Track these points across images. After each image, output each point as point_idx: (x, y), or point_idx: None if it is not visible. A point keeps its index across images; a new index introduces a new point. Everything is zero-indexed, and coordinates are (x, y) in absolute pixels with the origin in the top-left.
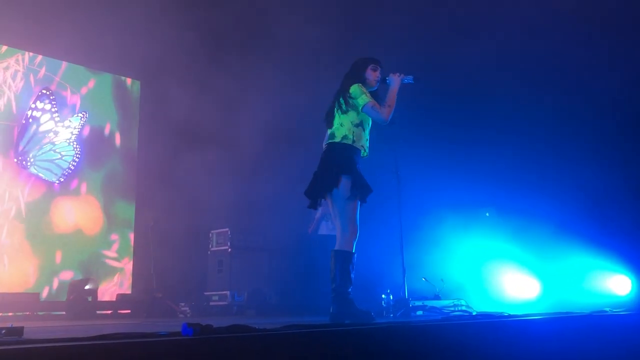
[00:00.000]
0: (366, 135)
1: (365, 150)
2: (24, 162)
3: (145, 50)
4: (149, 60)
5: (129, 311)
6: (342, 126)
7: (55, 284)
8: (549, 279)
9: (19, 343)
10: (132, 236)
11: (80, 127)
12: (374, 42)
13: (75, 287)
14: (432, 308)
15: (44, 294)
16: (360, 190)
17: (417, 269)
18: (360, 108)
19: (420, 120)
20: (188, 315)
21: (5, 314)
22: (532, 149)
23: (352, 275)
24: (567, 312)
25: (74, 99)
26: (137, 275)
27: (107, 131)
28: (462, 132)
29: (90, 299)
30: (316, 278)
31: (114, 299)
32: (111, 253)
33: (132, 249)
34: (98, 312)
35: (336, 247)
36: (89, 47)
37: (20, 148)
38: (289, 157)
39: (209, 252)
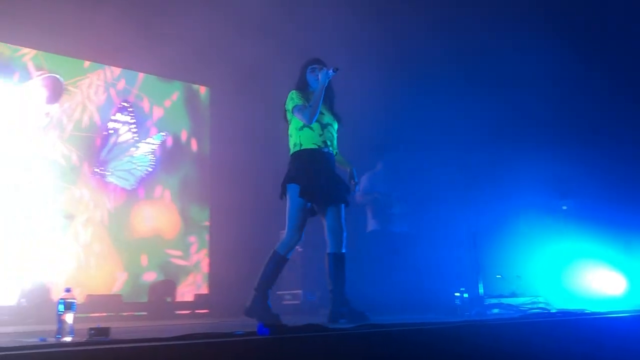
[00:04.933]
0: (319, 131)
1: (326, 145)
2: (103, 171)
3: (215, 57)
4: (219, 66)
5: (207, 311)
6: (291, 136)
7: (137, 286)
8: (636, 275)
9: (107, 343)
10: (207, 238)
11: (160, 143)
12: None
13: (156, 289)
14: (509, 306)
15: (127, 295)
16: (311, 195)
17: (491, 265)
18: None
19: (491, 114)
20: None
21: (92, 315)
22: (614, 139)
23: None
24: None
25: (150, 109)
26: (213, 275)
27: (182, 138)
28: (539, 125)
29: (169, 299)
30: (384, 276)
31: (192, 300)
32: (188, 255)
33: (207, 251)
34: (177, 312)
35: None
36: (161, 57)
37: (101, 157)
38: (356, 156)
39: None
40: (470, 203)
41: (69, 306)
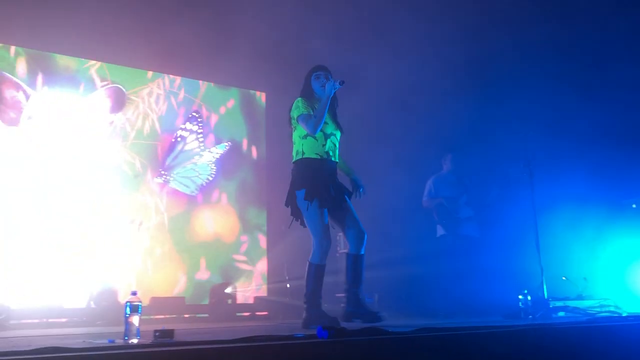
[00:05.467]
0: (322, 141)
1: (328, 155)
2: (166, 177)
3: (270, 63)
4: (274, 71)
5: (267, 313)
6: (295, 144)
7: (199, 289)
8: None
9: (171, 345)
10: (265, 240)
11: (223, 153)
12: None
13: (216, 291)
14: (575, 309)
15: (189, 297)
16: (319, 198)
17: (555, 267)
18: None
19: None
20: None
21: (156, 317)
22: None
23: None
24: None
25: (210, 116)
26: (272, 278)
27: (239, 143)
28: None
29: (230, 301)
30: (451, 280)
31: (252, 302)
32: (247, 258)
33: (266, 253)
34: (237, 314)
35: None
36: (218, 66)
37: (166, 164)
38: (422, 158)
39: (337, 255)
40: (534, 202)
41: (135, 309)
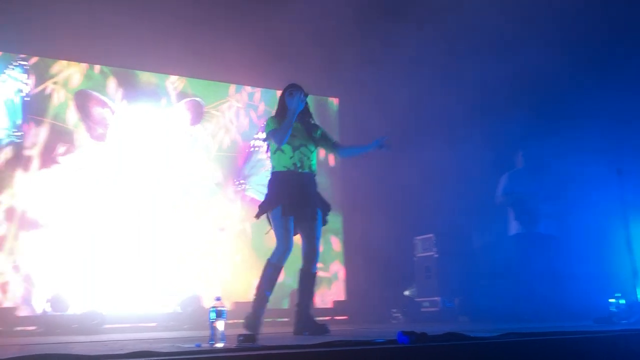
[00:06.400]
0: (289, 153)
1: (296, 167)
2: (244, 186)
3: (341, 68)
4: (346, 77)
5: (346, 317)
6: (271, 160)
7: (280, 293)
8: None
9: (255, 349)
10: (339, 244)
11: None
12: None
13: (295, 296)
14: None
15: (270, 302)
16: (282, 206)
17: None
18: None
19: None
20: (401, 321)
21: (239, 321)
22: None
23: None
24: None
25: None
26: (350, 282)
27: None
28: None
29: None
30: (531, 281)
31: (331, 306)
32: (325, 262)
33: (341, 257)
34: (317, 318)
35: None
36: (291, 75)
37: (245, 173)
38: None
39: (414, 259)
40: (625, 200)
41: (219, 314)
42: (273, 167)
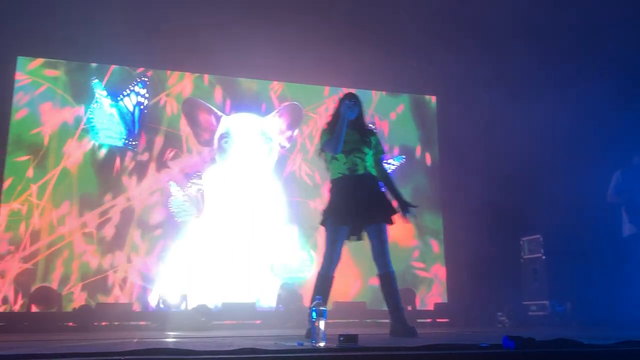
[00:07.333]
0: (343, 160)
1: (350, 172)
2: None
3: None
4: (444, 75)
5: (447, 320)
6: (328, 169)
7: (379, 295)
8: None
9: (356, 350)
10: (439, 246)
11: (399, 164)
12: None
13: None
14: None
15: (369, 302)
16: (332, 216)
17: None
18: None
19: None
20: (506, 325)
21: (338, 321)
22: None
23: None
24: None
25: (381, 124)
26: (452, 284)
27: (413, 149)
28: None
29: (409, 308)
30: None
31: (432, 309)
32: (425, 263)
33: (442, 259)
34: (418, 320)
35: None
36: (387, 74)
37: None
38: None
39: (521, 260)
40: None
41: (320, 313)
42: (330, 176)
